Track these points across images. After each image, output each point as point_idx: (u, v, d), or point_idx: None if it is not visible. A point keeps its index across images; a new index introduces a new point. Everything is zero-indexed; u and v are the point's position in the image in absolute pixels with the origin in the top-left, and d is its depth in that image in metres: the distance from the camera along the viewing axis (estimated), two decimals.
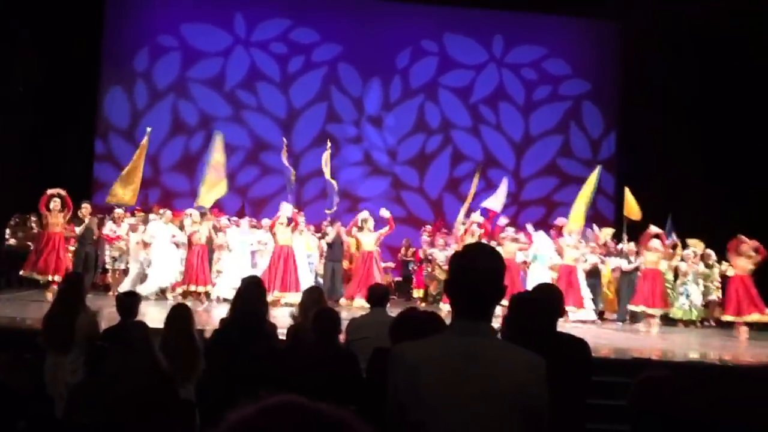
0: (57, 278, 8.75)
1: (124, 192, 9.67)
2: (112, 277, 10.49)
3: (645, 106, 12.78)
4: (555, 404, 1.77)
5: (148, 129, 10.33)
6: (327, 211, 10.26)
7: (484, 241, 9.37)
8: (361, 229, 9.77)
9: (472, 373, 1.66)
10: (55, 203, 9.45)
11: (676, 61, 12.20)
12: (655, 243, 9.90)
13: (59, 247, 9.27)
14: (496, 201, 10.34)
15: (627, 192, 10.61)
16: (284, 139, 10.86)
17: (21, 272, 9.55)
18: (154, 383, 3.21)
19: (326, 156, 10.29)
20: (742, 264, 9.48)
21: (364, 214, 9.93)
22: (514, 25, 14.11)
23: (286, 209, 9.58)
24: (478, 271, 1.74)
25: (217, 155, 9.95)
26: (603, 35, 14.17)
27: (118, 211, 10.50)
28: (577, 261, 9.93)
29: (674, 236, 10.32)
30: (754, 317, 9.31)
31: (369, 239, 9.67)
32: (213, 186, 9.83)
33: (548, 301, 2.93)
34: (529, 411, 1.67)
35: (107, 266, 10.46)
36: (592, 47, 14.16)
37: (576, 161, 14.24)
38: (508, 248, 9.36)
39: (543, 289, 3.10)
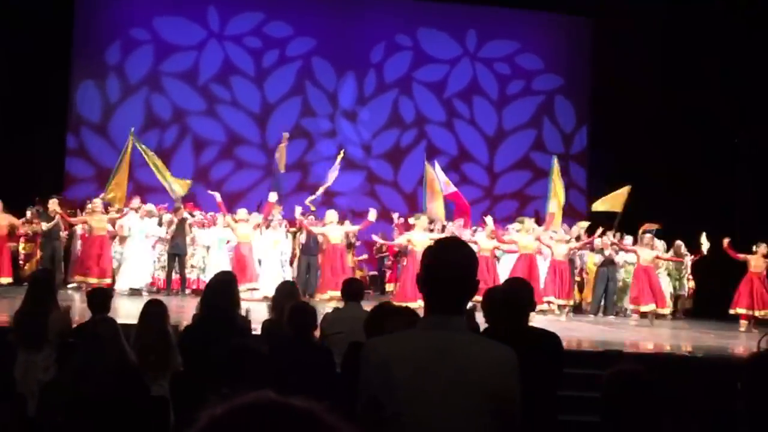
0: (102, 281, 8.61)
1: (116, 194, 9.62)
2: None
3: (616, 100, 12.95)
4: (528, 396, 1.78)
5: (132, 129, 10.26)
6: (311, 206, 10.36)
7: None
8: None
9: (445, 367, 1.66)
10: (94, 204, 9.31)
11: (646, 55, 12.40)
12: (560, 234, 10.03)
13: (103, 249, 9.14)
14: (447, 186, 10.50)
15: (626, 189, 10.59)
16: (285, 134, 10.85)
17: (75, 278, 9.48)
18: (123, 380, 3.23)
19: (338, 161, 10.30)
20: (644, 255, 9.62)
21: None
22: (487, 19, 14.21)
23: (332, 214, 9.59)
24: (450, 266, 1.73)
25: (149, 155, 9.89)
26: (574, 30, 14.35)
27: (90, 206, 10.39)
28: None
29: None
30: (651, 308, 9.51)
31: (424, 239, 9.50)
32: (172, 177, 9.78)
33: (520, 295, 2.97)
34: (501, 404, 1.68)
35: None
36: (563, 42, 14.33)
37: (549, 155, 14.31)
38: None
39: (514, 283, 3.16)
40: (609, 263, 10.89)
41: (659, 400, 1.96)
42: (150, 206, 10.57)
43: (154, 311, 3.97)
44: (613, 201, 10.39)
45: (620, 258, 11.01)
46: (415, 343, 1.73)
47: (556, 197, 10.36)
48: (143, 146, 10.01)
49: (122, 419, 3.04)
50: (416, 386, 1.65)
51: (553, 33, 14.35)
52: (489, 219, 10.17)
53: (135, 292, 9.97)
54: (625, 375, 2.02)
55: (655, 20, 12.26)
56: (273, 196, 9.92)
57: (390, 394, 1.66)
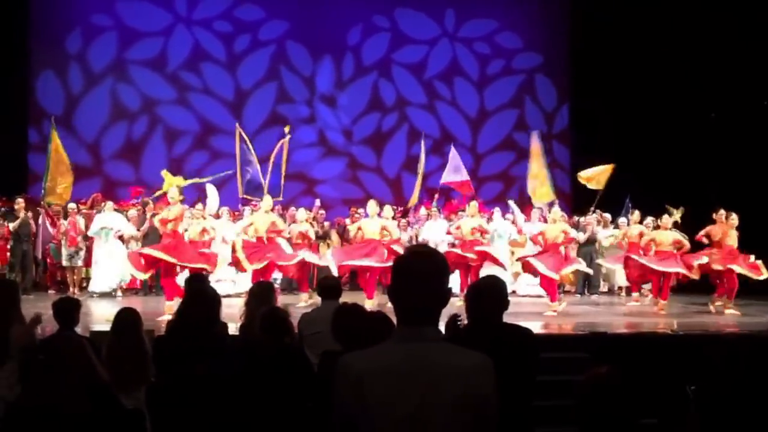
0: None
1: (61, 189, 9.00)
2: (70, 275, 9.90)
3: (596, 78, 12.80)
4: (506, 394, 1.79)
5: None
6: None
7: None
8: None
9: (419, 381, 1.66)
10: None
11: (626, 31, 12.22)
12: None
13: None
14: (455, 172, 10.04)
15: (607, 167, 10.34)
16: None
17: None
18: (94, 397, 2.96)
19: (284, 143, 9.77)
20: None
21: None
22: None
23: (372, 205, 8.80)
24: (419, 277, 1.71)
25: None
26: (552, 7, 14.08)
27: (71, 206, 9.92)
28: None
29: (631, 215, 10.15)
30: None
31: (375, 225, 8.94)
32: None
33: (493, 292, 2.92)
34: (478, 413, 1.68)
35: (64, 263, 9.84)
36: (542, 19, 14.08)
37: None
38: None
39: (488, 281, 3.05)
40: (591, 242, 10.69)
41: (633, 400, 1.95)
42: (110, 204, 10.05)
43: (127, 320, 3.63)
44: (598, 178, 10.14)
45: (602, 236, 10.83)
46: (389, 357, 1.70)
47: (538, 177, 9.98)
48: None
49: None
50: (391, 403, 1.65)
51: (531, 10, 14.09)
52: (511, 203, 9.75)
53: (107, 295, 9.50)
54: (597, 379, 1.99)
55: None
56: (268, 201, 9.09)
57: (365, 412, 1.65)
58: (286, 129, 9.98)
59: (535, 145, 10.35)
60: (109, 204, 9.98)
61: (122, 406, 3.30)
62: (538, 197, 10.71)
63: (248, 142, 9.86)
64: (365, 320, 3.21)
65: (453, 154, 10.13)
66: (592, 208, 10.43)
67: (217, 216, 10.06)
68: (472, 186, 10.08)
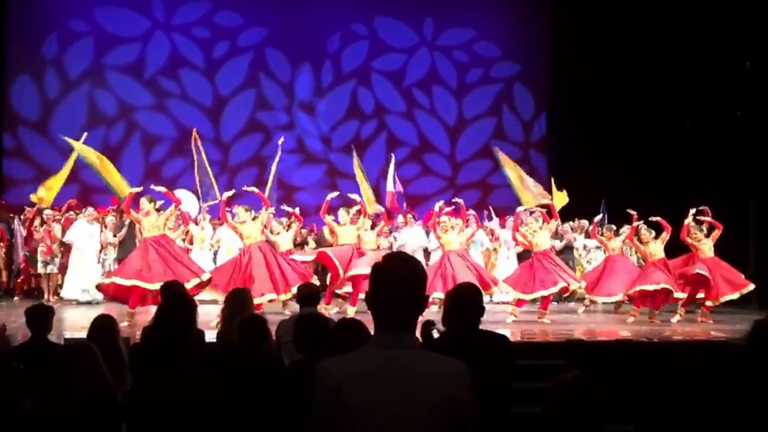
0: None
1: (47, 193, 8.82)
2: (45, 282, 9.78)
3: (574, 87, 12.97)
4: (485, 398, 1.82)
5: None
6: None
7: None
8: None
9: (397, 387, 1.67)
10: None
11: (604, 41, 12.41)
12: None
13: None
14: (392, 182, 10.08)
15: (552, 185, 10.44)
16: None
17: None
18: (104, 404, 2.96)
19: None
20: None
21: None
22: (443, 7, 13.99)
23: (342, 213, 8.74)
24: (397, 283, 1.73)
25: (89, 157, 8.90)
26: (531, 17, 14.26)
27: (47, 212, 9.79)
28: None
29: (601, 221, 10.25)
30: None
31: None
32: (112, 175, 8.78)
33: (469, 299, 2.95)
34: (455, 419, 1.70)
35: (39, 270, 9.69)
36: (520, 29, 14.24)
37: (510, 143, 14.30)
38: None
39: (463, 288, 3.09)
40: (568, 249, 10.82)
41: (602, 405, 1.95)
42: (90, 210, 9.93)
43: (104, 327, 3.59)
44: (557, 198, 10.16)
45: (579, 243, 10.96)
46: (367, 363, 1.72)
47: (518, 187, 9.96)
48: (82, 147, 8.90)
49: None
50: (371, 409, 1.67)
51: (509, 20, 14.25)
52: (525, 213, 9.43)
53: (82, 302, 9.39)
54: (566, 384, 1.98)
55: (612, 5, 12.27)
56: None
57: (344, 417, 1.67)
58: (280, 141, 9.81)
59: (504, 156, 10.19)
60: (90, 210, 9.88)
61: (122, 410, 3.30)
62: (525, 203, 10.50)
63: (203, 152, 9.85)
64: (326, 329, 3.24)
65: (392, 165, 10.20)
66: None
67: (195, 221, 10.01)
68: (395, 200, 10.03)
